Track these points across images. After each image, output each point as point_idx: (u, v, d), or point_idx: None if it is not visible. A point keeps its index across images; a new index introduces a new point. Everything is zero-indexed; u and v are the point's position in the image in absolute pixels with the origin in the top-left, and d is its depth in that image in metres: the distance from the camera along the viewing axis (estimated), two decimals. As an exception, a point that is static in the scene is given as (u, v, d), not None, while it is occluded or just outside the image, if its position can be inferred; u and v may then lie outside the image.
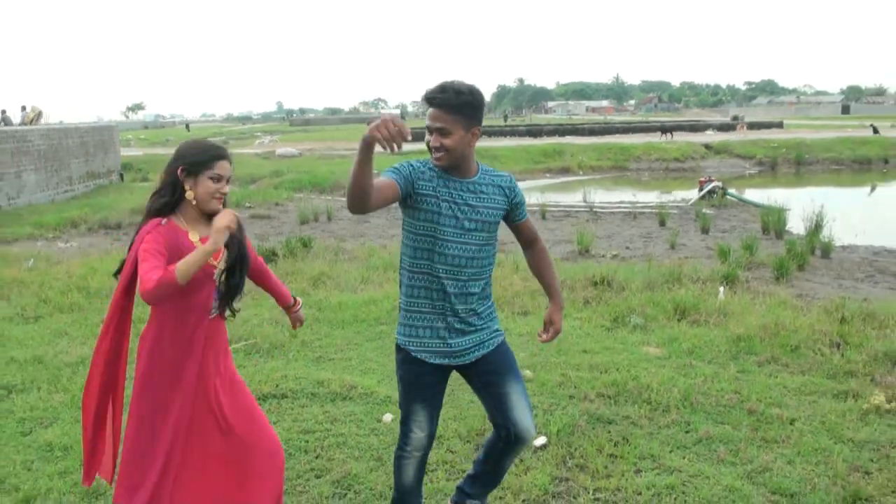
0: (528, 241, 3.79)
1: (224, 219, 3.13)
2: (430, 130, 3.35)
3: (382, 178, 3.27)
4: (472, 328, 3.56)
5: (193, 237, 3.35)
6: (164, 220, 3.32)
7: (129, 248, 3.40)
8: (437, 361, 3.55)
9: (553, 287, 3.80)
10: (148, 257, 3.16)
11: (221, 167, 3.36)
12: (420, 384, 3.59)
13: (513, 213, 3.63)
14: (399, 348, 3.62)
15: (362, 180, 3.03)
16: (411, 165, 3.40)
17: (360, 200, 3.09)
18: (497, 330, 3.68)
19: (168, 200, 3.35)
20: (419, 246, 3.45)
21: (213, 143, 3.53)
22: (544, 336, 3.80)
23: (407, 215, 3.47)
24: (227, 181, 3.42)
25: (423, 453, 3.71)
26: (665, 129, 45.78)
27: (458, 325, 3.53)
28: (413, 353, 3.55)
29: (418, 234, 3.44)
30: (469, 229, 3.44)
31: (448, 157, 3.36)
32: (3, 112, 30.17)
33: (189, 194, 3.34)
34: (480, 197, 3.47)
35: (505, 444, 3.72)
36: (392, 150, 2.89)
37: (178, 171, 3.34)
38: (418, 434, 3.62)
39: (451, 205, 3.41)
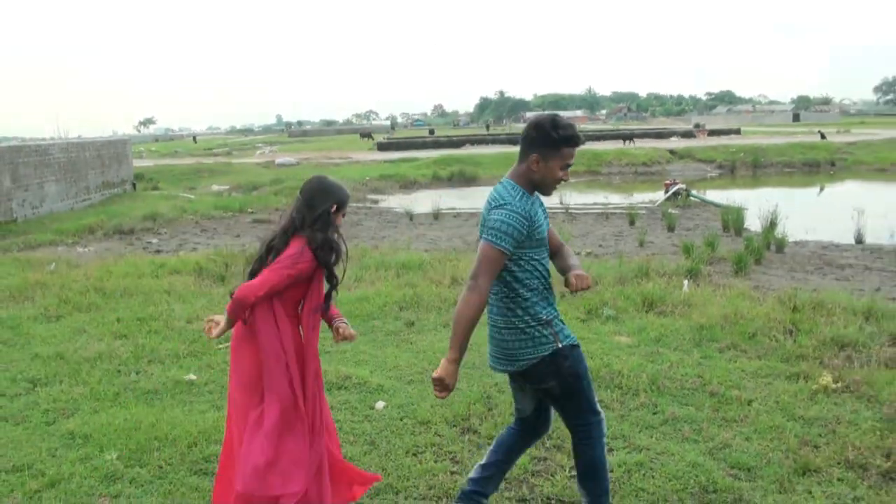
0: (558, 246, 3.76)
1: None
2: (568, 166, 3.44)
3: (495, 254, 3.32)
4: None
5: None
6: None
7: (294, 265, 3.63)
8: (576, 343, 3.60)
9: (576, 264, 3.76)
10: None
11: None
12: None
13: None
14: (563, 351, 3.48)
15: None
16: (525, 214, 3.36)
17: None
18: None
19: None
20: (536, 259, 3.47)
21: (340, 182, 3.85)
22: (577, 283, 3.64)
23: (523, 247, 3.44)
24: None
25: None
26: (627, 137, 46.13)
27: (560, 317, 3.60)
28: (577, 346, 3.56)
29: (534, 252, 3.46)
30: (548, 238, 3.62)
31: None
32: None
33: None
34: (545, 210, 3.61)
35: (526, 437, 3.79)
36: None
37: (333, 209, 3.69)
38: (603, 412, 3.63)
39: (545, 221, 3.55)
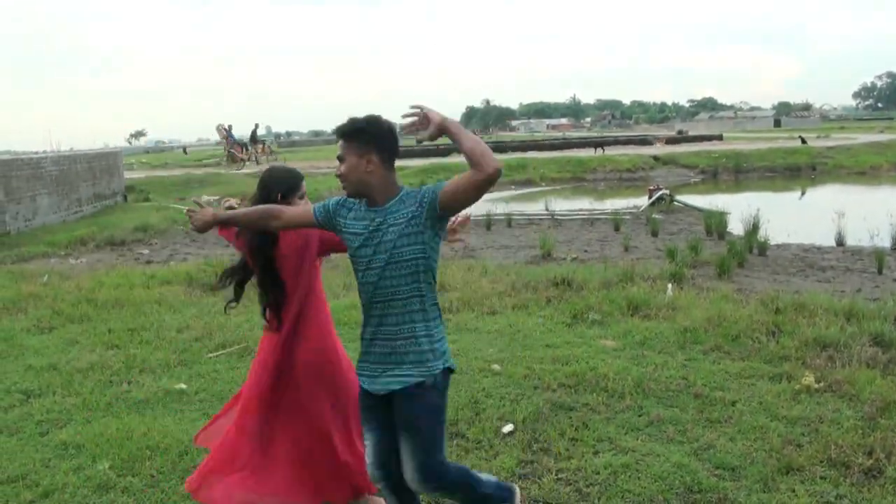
0: (466, 186, 2.99)
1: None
2: (340, 159, 3.17)
3: (308, 208, 3.41)
4: (388, 360, 3.16)
5: None
6: None
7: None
8: (367, 387, 3.24)
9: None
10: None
11: (303, 187, 3.81)
12: (363, 407, 3.31)
13: (433, 205, 3.06)
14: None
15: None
16: (338, 203, 3.27)
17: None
18: (411, 371, 3.13)
19: None
20: (354, 267, 3.24)
21: (294, 169, 3.92)
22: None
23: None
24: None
25: (384, 484, 3.35)
26: (597, 145, 46.29)
27: (375, 355, 3.19)
28: (359, 377, 3.30)
29: (351, 259, 3.23)
30: (387, 259, 3.08)
31: (346, 185, 3.16)
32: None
33: None
34: (392, 224, 3.09)
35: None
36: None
37: (279, 197, 3.67)
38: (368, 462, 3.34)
39: (365, 236, 3.12)
